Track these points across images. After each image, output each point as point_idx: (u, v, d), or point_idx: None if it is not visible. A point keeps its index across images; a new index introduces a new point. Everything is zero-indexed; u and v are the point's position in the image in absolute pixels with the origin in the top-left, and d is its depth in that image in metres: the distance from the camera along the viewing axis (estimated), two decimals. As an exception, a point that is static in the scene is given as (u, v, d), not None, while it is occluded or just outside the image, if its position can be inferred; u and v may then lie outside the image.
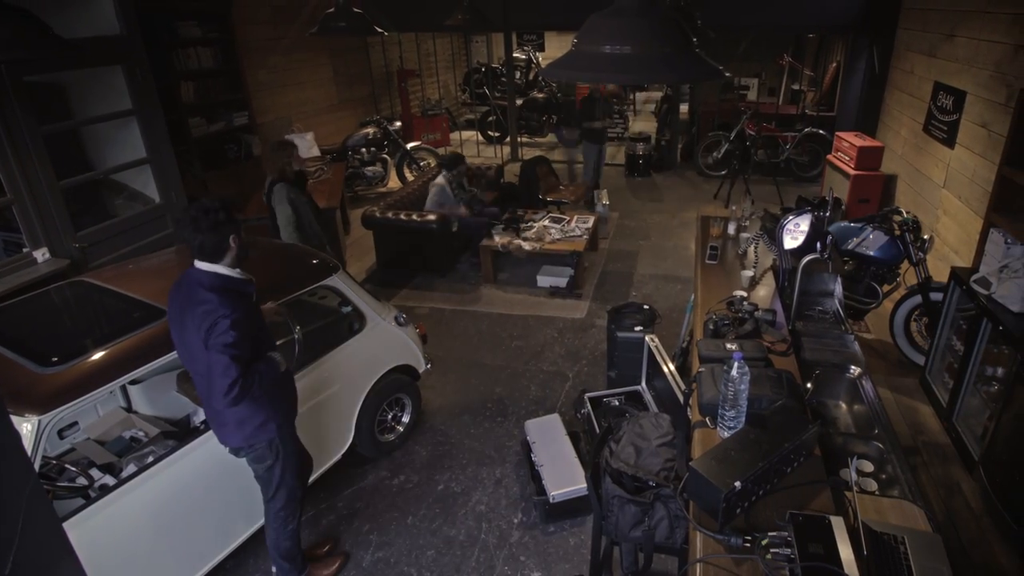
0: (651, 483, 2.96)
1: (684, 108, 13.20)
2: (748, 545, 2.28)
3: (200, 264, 2.94)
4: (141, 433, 4.01)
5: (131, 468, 3.44)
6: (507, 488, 4.56)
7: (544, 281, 7.49)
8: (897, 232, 5.49)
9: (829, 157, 8.74)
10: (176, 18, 7.97)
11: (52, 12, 5.01)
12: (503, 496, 4.49)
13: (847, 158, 8.09)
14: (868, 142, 7.94)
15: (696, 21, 7.65)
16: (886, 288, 5.77)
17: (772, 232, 4.53)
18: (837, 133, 8.70)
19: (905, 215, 5.48)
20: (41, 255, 5.05)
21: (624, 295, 7.32)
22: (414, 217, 7.50)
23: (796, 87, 13.25)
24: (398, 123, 11.56)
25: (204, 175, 8.29)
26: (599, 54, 2.29)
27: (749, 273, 4.47)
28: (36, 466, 2.88)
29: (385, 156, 10.89)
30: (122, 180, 6.12)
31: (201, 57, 8.33)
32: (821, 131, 10.66)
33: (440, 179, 7.94)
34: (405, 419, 5.02)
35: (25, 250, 5.01)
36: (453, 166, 7.99)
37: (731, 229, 5.15)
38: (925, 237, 5.46)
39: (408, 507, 4.42)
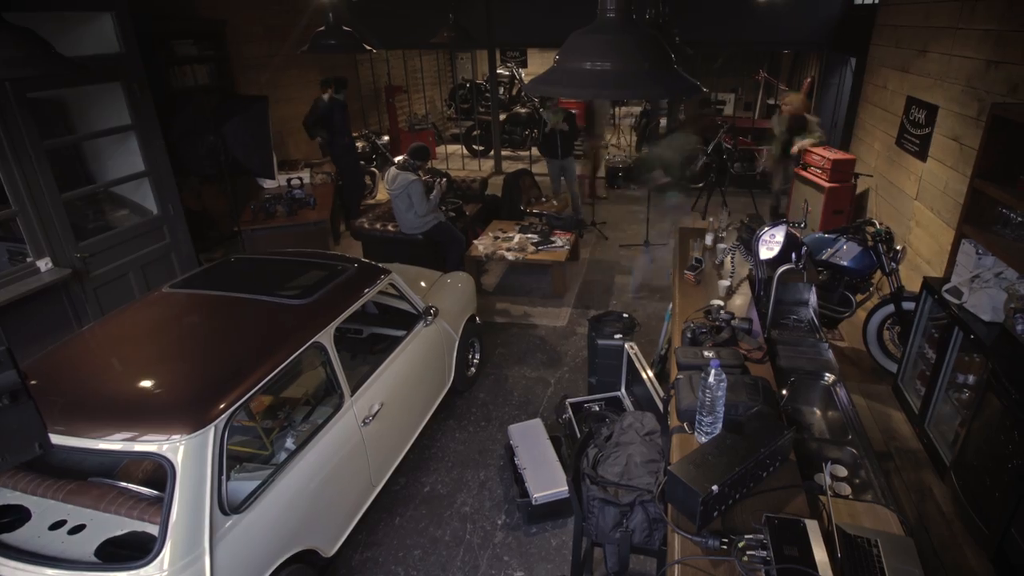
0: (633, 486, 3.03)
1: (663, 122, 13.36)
2: (725, 547, 2.33)
3: None
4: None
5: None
6: (491, 490, 4.63)
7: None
8: (870, 243, 5.59)
9: (797, 170, 8.70)
10: (173, 37, 8.11)
11: (54, 31, 5.08)
12: (487, 498, 4.56)
13: (819, 171, 8.14)
14: (840, 155, 8.01)
15: (675, 38, 7.75)
16: (859, 297, 5.87)
17: (748, 243, 4.62)
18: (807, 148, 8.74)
19: (878, 226, 5.59)
20: (44, 264, 5.15)
21: (604, 304, 7.40)
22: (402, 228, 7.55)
23: (772, 102, 13.41)
24: (386, 137, 11.64)
25: (200, 188, 8.32)
26: (581, 70, 2.34)
27: (726, 283, 4.55)
28: None
29: (373, 169, 10.96)
30: (122, 192, 6.22)
31: (197, 74, 8.46)
32: None
33: (411, 175, 7.06)
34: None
35: (29, 260, 5.11)
36: (420, 157, 7.19)
37: (708, 240, 5.23)
38: (898, 248, 5.57)
39: (395, 508, 4.49)
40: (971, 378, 4.35)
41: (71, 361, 3.49)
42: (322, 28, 6.36)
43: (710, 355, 3.38)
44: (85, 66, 5.13)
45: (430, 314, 4.89)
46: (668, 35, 7.44)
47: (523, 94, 16.05)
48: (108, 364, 3.48)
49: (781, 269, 4.17)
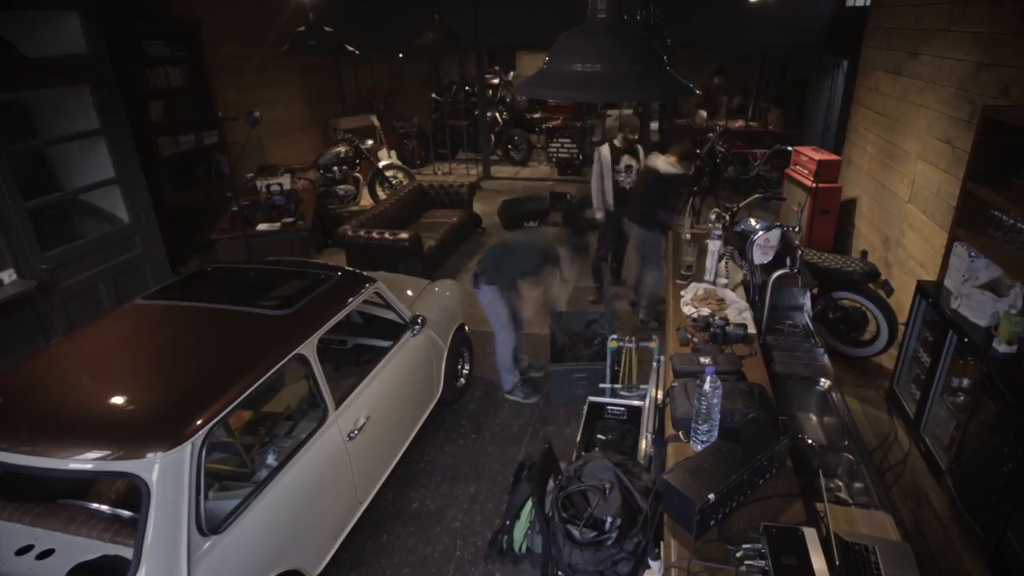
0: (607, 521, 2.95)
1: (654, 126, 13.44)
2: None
3: None
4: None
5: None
6: (481, 505, 4.56)
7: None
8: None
9: (788, 171, 8.85)
10: (144, 37, 7.96)
11: (16, 31, 4.96)
12: (478, 512, 4.49)
13: (806, 172, 8.20)
14: (826, 156, 8.07)
15: (666, 39, 7.75)
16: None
17: (742, 249, 4.58)
18: (796, 148, 8.82)
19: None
20: (7, 276, 4.97)
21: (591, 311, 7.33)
22: (386, 235, 7.49)
23: (765, 105, 13.46)
24: (370, 141, 11.55)
25: (174, 195, 8.22)
26: (571, 72, 2.31)
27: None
28: None
29: (357, 175, 10.88)
30: (91, 200, 6.04)
31: (170, 76, 8.31)
32: (789, 148, 10.87)
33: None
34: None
35: (-9, 272, 4.95)
36: None
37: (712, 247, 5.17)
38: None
39: (383, 525, 4.40)
40: (966, 381, 4.34)
41: (39, 377, 3.34)
42: (302, 28, 6.27)
43: (706, 361, 3.36)
44: (49, 67, 4.99)
45: (417, 323, 4.81)
46: (659, 37, 7.43)
47: (506, 97, 15.98)
48: (78, 379, 3.32)
49: (776, 274, 4.15)
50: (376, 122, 12.38)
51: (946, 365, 4.46)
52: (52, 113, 5.74)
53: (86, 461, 2.76)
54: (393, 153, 12.38)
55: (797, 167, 8.57)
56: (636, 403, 4.50)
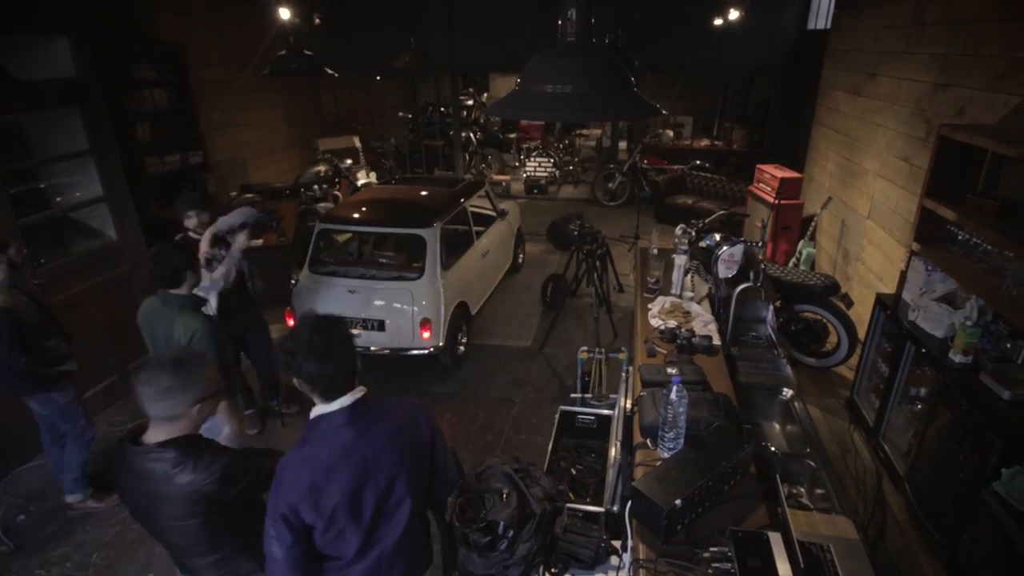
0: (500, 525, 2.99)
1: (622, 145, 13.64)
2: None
3: None
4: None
5: None
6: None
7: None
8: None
9: (751, 188, 9.01)
10: (131, 60, 8.05)
11: (8, 55, 5.01)
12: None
13: (769, 188, 8.36)
14: (788, 173, 8.22)
15: (634, 62, 7.89)
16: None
17: (707, 263, 4.69)
18: (758, 165, 8.97)
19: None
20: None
21: (567, 324, 7.45)
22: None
23: (728, 125, 13.66)
24: (349, 161, 11.59)
25: (160, 212, 8.23)
26: (542, 93, 2.37)
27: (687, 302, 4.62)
28: None
29: (337, 193, 10.90)
30: (80, 218, 6.07)
31: (156, 98, 8.43)
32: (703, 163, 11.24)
33: None
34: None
35: (-17, 287, 4.93)
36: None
37: (679, 261, 5.29)
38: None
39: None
40: (923, 391, 4.43)
41: (363, 202, 6.95)
42: (283, 51, 6.36)
43: (672, 371, 3.44)
44: (40, 90, 5.02)
45: (505, 212, 8.27)
46: (627, 59, 7.56)
47: (480, 117, 16.07)
48: (383, 203, 6.95)
49: (740, 287, 4.25)
50: (358, 143, 12.43)
51: (904, 375, 4.57)
52: (44, 133, 5.79)
53: (403, 228, 6.58)
54: (373, 174, 12.41)
55: (760, 184, 8.73)
56: (606, 412, 4.55)
